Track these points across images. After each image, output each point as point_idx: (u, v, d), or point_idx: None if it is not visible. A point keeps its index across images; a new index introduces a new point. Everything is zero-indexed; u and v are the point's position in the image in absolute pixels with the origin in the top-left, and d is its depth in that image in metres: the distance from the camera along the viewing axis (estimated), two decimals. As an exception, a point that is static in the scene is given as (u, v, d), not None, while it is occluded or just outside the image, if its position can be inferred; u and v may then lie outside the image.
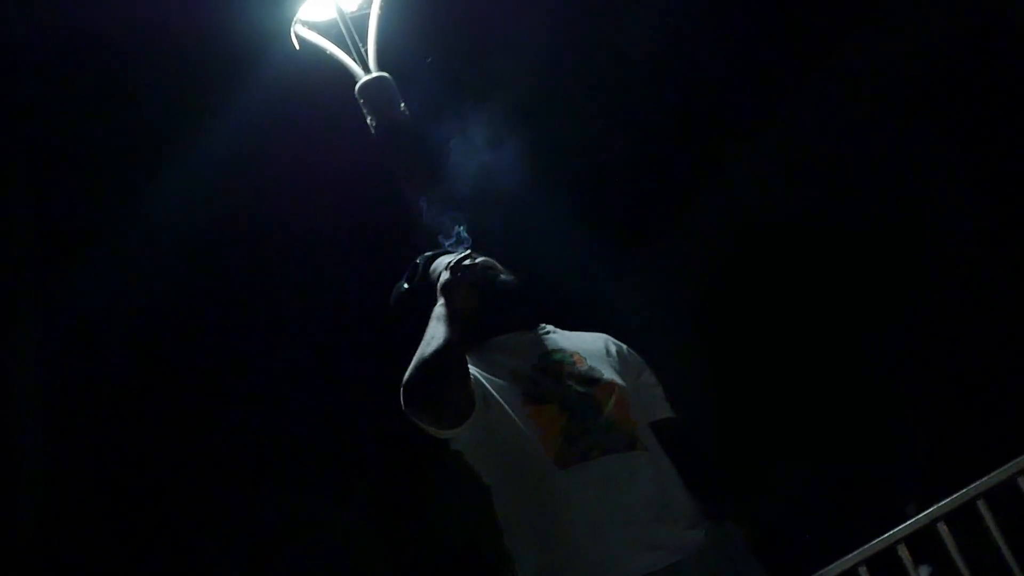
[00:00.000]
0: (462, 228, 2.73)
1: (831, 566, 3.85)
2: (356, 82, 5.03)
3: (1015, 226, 7.18)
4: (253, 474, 9.73)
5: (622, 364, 2.66)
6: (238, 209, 8.89)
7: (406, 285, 2.77)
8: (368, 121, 5.00)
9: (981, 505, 3.80)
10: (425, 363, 2.42)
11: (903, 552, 3.85)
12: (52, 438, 8.24)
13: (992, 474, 3.82)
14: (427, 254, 2.79)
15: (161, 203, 8.54)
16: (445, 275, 2.58)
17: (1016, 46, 7.21)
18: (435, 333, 2.46)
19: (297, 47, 5.21)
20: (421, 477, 9.45)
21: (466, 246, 2.67)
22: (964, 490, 3.82)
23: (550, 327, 2.74)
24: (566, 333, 2.74)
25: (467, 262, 2.59)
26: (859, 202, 7.95)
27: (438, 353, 2.42)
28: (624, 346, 2.74)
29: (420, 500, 9.72)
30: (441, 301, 2.54)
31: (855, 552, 3.84)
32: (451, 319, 2.49)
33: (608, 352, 2.67)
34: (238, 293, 9.49)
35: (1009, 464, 3.81)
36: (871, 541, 3.84)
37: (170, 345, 9.40)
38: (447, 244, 2.74)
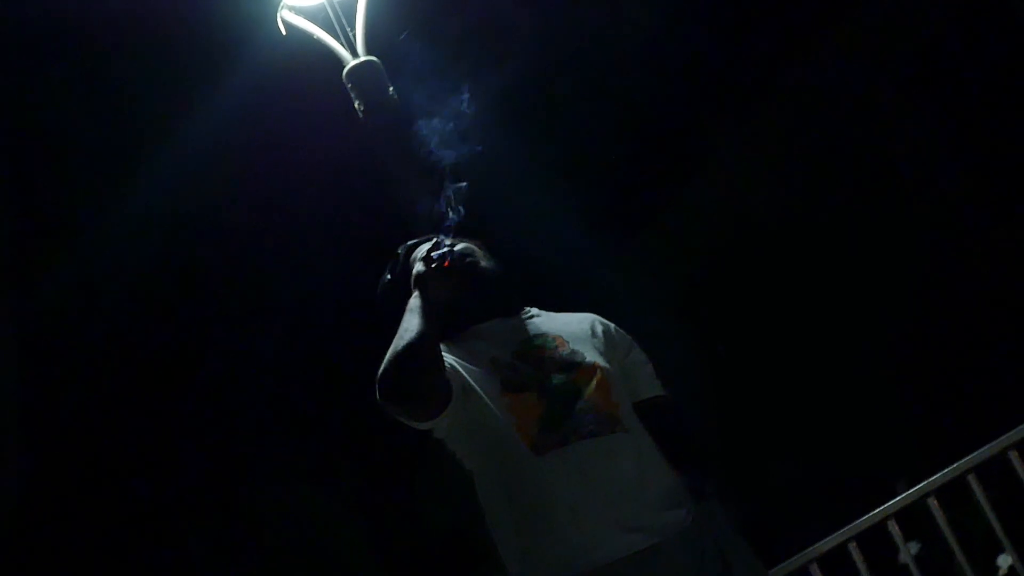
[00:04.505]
0: (451, 213, 2.70)
1: (821, 542, 3.85)
2: (344, 67, 5.02)
3: (999, 206, 7.21)
4: (236, 463, 9.72)
5: (608, 344, 2.65)
6: (225, 197, 8.85)
7: (389, 276, 2.76)
8: (356, 105, 4.99)
9: (972, 480, 3.81)
10: (398, 356, 2.43)
11: (893, 528, 3.85)
12: (31, 430, 8.23)
13: (982, 449, 3.82)
14: (409, 243, 2.77)
15: (144, 193, 8.49)
16: (419, 266, 2.59)
17: (1012, 33, 7.21)
18: (408, 326, 2.46)
19: (284, 32, 5.20)
20: (407, 464, 9.46)
21: (446, 232, 2.64)
22: (954, 465, 3.83)
23: (534, 310, 2.73)
24: (551, 315, 2.73)
25: (439, 251, 2.59)
26: (848, 188, 7.98)
27: (411, 346, 2.42)
28: (612, 325, 2.73)
29: (406, 487, 9.73)
30: (415, 293, 2.54)
31: (845, 528, 3.84)
32: (425, 311, 2.49)
33: (593, 333, 2.66)
34: (222, 282, 9.46)
35: (1000, 439, 3.81)
36: (861, 517, 3.85)
37: (151, 334, 9.37)
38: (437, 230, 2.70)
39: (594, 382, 2.52)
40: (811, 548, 3.87)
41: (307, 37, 5.16)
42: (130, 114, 8.51)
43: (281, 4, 5.25)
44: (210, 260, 9.29)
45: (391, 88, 4.99)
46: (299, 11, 5.22)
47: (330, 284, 8.68)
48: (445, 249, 2.60)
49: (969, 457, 3.82)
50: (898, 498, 3.86)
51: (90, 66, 8.35)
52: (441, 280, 2.57)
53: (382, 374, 2.44)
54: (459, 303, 2.63)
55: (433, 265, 2.57)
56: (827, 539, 3.86)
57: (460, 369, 2.53)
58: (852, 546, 3.83)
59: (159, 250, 8.96)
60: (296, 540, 9.88)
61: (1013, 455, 3.78)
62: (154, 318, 9.34)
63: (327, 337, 9.19)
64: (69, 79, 8.34)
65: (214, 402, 9.45)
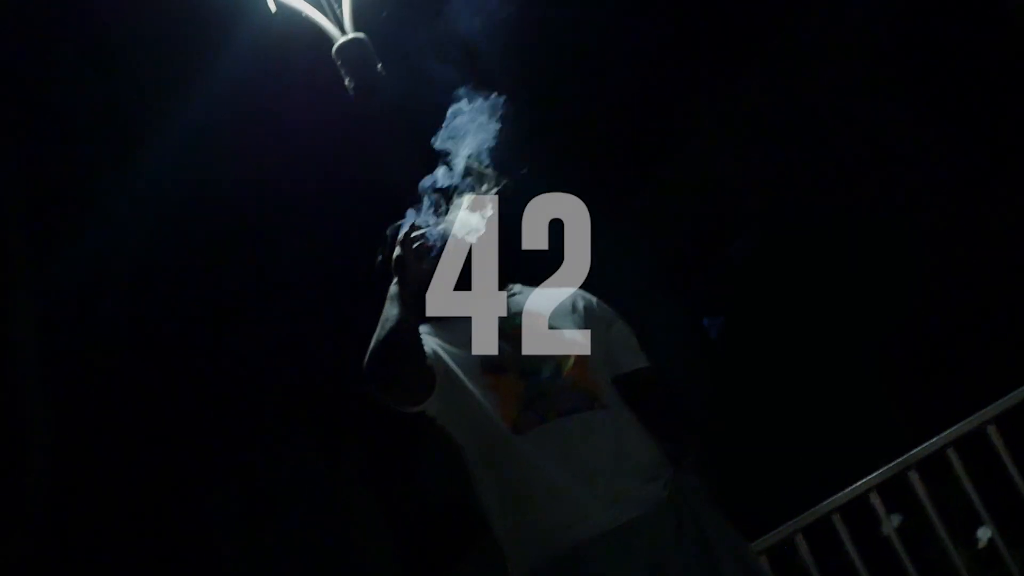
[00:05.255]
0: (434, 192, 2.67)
1: (803, 515, 3.90)
2: (333, 44, 5.04)
3: (983, 182, 7.24)
4: (246, 435, 9.79)
5: (589, 319, 2.66)
6: (221, 172, 8.86)
7: (380, 258, 2.75)
8: (346, 83, 5.02)
9: (951, 453, 3.85)
10: (379, 347, 2.46)
11: (875, 500, 3.90)
12: (51, 403, 8.27)
13: (962, 423, 3.87)
14: (398, 223, 2.74)
15: (145, 167, 8.51)
16: (396, 249, 2.59)
17: (1000, 15, 7.21)
18: (388, 315, 2.49)
19: (273, 10, 5.21)
20: (413, 435, 9.50)
21: (431, 207, 2.63)
22: (934, 439, 3.87)
23: (517, 287, 2.74)
24: (533, 291, 2.73)
25: (415, 233, 2.58)
26: (834, 164, 7.99)
27: (390, 336, 2.46)
28: (594, 299, 2.73)
29: (412, 458, 9.77)
30: (395, 279, 2.55)
31: (827, 501, 3.88)
32: (403, 297, 2.51)
33: (574, 308, 2.67)
34: (225, 255, 9.47)
35: (978, 413, 3.86)
36: (843, 490, 3.89)
37: (162, 308, 9.40)
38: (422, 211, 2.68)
39: (572, 358, 2.54)
40: (796, 519, 3.92)
41: (296, 14, 5.18)
42: (133, 91, 8.52)
43: (270, -19, 5.25)
44: (213, 241, 9.31)
45: (379, 65, 5.02)
46: (288, -12, 5.23)
47: (334, 261, 8.68)
48: (421, 231, 2.59)
49: (948, 431, 3.86)
50: (879, 471, 3.90)
51: (86, 46, 8.35)
52: (419, 262, 2.57)
53: (365, 365, 2.48)
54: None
55: (414, 246, 2.58)
56: (811, 510, 3.91)
57: (442, 353, 2.56)
58: (836, 517, 3.88)
59: (166, 229, 8.99)
60: (306, 509, 9.99)
61: (991, 429, 3.82)
62: (165, 300, 9.38)
63: (335, 311, 9.19)
64: (65, 63, 8.34)
65: (228, 381, 9.51)
